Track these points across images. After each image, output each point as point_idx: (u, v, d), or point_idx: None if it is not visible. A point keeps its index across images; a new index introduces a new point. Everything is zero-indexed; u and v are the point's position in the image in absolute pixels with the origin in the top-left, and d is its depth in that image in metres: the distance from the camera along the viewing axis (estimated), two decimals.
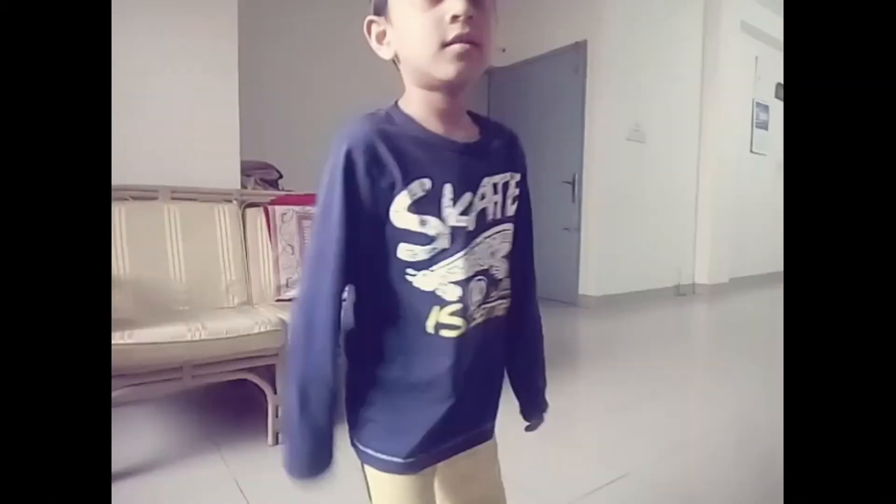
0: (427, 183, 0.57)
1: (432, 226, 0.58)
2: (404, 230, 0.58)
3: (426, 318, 0.60)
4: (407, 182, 0.56)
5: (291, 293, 2.03)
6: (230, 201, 2.14)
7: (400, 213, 0.57)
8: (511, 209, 0.66)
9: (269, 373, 1.66)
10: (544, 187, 4.45)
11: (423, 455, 0.63)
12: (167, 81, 2.24)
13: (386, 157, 0.56)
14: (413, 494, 0.65)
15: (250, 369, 1.62)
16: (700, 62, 4.91)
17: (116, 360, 1.35)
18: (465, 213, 0.60)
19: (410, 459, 0.62)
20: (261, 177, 2.73)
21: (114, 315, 1.66)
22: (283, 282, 2.07)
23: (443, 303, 0.60)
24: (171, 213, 1.95)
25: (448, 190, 0.58)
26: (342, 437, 0.66)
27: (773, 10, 5.28)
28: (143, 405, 1.94)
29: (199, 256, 1.95)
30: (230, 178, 2.39)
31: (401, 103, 0.62)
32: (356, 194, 0.56)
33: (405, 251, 0.59)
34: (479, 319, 0.63)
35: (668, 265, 4.78)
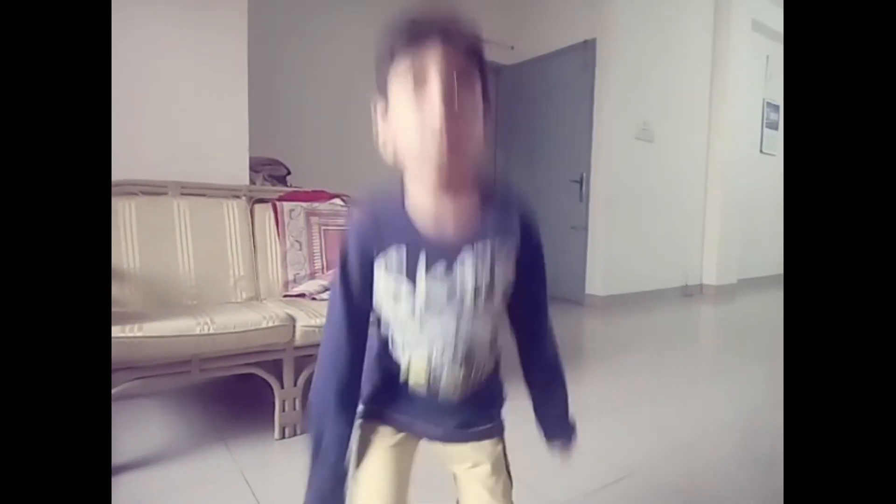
0: (402, 249, 0.63)
1: (405, 289, 0.63)
2: (384, 291, 0.65)
3: (398, 372, 0.69)
4: (384, 247, 0.63)
5: (299, 289, 2.04)
6: (239, 197, 2.15)
7: (380, 278, 0.65)
8: (501, 274, 0.66)
9: (276, 367, 1.67)
10: (552, 186, 4.44)
11: (389, 415, 0.72)
12: (177, 79, 2.26)
13: (372, 229, 0.64)
14: (385, 446, 0.72)
15: (258, 364, 1.64)
16: (710, 61, 4.88)
17: (126, 353, 1.37)
18: (437, 279, 0.63)
19: (373, 406, 0.71)
20: (269, 173, 2.74)
21: (123, 308, 1.69)
22: (290, 277, 2.09)
23: (410, 363, 0.67)
24: (180, 208, 1.97)
25: (422, 257, 0.63)
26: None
27: None
28: (151, 398, 1.96)
29: (207, 251, 1.97)
30: (239, 174, 2.41)
31: (406, 177, 0.65)
32: (350, 254, 0.65)
33: (384, 310, 0.67)
34: (458, 386, 0.68)
35: (675, 265, 4.76)
